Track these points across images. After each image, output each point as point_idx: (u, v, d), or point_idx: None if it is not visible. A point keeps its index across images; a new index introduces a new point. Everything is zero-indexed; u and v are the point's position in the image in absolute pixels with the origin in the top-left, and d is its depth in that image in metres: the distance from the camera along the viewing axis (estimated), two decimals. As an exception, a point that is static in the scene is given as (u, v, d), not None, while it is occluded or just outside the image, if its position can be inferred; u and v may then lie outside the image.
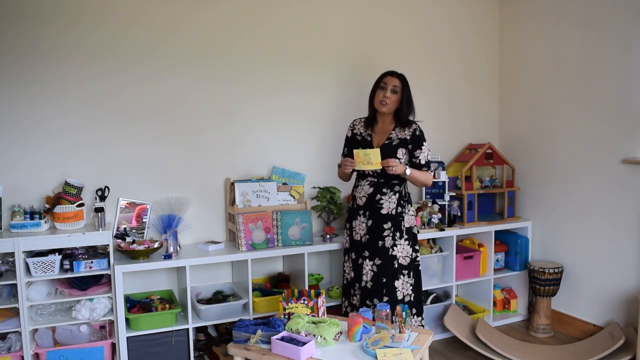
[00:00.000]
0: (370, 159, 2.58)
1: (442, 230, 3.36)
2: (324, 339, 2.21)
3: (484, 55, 3.90)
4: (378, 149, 2.59)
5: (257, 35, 3.20)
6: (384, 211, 2.69)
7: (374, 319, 2.44)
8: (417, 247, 2.79)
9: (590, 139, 3.27)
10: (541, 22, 3.56)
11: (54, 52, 2.77)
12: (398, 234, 2.69)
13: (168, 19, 2.99)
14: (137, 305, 2.79)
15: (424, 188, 3.48)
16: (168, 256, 2.76)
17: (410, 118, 2.75)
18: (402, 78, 2.72)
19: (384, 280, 2.65)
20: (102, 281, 2.74)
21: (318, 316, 2.41)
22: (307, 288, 3.00)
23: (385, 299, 2.64)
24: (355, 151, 2.62)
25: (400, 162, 2.64)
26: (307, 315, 2.38)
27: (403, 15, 3.61)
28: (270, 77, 3.26)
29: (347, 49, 3.45)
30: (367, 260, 2.70)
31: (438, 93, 3.76)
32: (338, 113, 3.43)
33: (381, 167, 2.58)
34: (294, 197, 3.20)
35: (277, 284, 3.17)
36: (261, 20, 3.21)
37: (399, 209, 2.71)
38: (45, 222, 2.65)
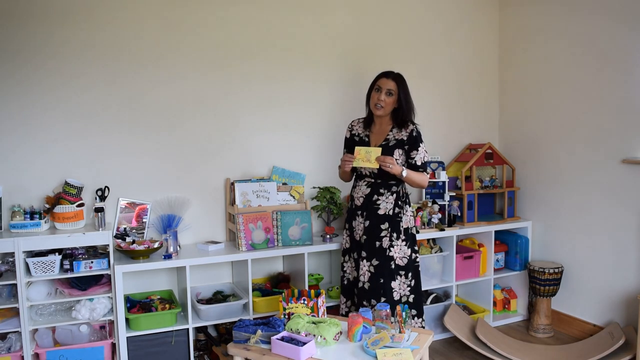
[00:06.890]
0: (370, 157, 2.58)
1: (442, 230, 3.36)
2: (324, 339, 2.21)
3: (483, 55, 3.90)
4: (380, 149, 2.60)
5: (256, 37, 3.20)
6: (381, 212, 2.69)
7: (374, 319, 2.44)
8: (416, 248, 2.78)
9: (590, 139, 3.27)
10: (541, 22, 3.56)
11: (54, 54, 2.77)
12: (395, 234, 2.68)
13: (169, 24, 2.99)
14: (137, 305, 2.79)
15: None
16: (168, 256, 2.76)
17: (411, 117, 2.73)
18: (397, 79, 2.67)
19: (381, 280, 2.65)
20: (102, 281, 2.74)
21: (318, 316, 2.41)
22: (307, 288, 3.00)
23: (382, 299, 2.63)
24: (357, 148, 2.62)
25: (397, 163, 2.62)
26: (307, 315, 2.38)
27: (402, 15, 3.60)
28: (270, 77, 3.26)
29: (347, 49, 3.44)
30: (365, 260, 2.70)
31: (438, 93, 3.75)
32: (338, 113, 3.43)
33: (379, 166, 2.58)
34: (294, 197, 3.20)
35: (277, 284, 3.17)
36: (261, 21, 3.21)
37: (397, 210, 2.70)
38: (45, 222, 2.65)
